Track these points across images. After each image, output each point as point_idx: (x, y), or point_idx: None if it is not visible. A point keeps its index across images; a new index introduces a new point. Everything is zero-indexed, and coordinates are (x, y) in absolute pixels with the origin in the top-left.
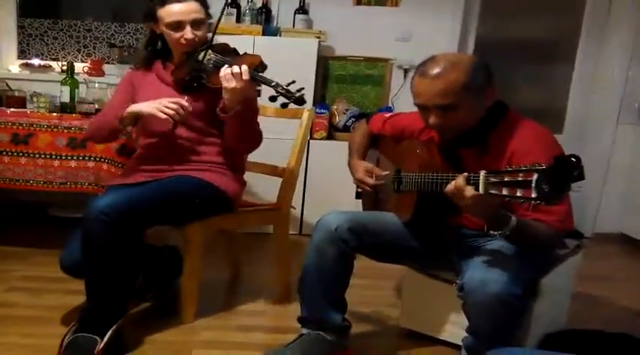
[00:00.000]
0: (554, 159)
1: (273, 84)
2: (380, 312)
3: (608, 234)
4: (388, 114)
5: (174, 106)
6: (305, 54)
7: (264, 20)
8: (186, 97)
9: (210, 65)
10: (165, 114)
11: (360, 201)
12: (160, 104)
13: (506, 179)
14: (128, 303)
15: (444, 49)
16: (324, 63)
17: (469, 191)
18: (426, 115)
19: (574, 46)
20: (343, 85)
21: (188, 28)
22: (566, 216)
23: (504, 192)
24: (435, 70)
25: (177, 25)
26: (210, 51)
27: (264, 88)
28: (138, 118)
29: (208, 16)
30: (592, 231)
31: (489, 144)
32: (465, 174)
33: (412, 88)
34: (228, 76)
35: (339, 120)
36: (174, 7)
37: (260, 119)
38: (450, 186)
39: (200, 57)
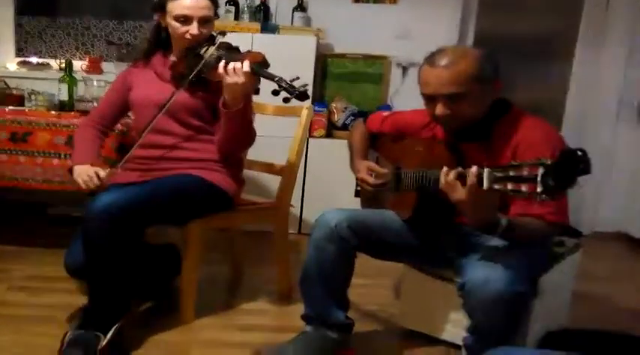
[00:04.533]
0: (559, 153)
1: (277, 79)
2: (379, 311)
3: (609, 233)
4: (386, 113)
5: (91, 174)
6: (303, 51)
7: (263, 18)
8: (118, 168)
9: (213, 60)
10: (82, 180)
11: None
12: (85, 171)
13: (511, 174)
14: (129, 302)
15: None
16: (323, 60)
17: (452, 175)
18: (432, 106)
19: (572, 44)
20: (342, 82)
21: (195, 24)
22: (561, 208)
23: (509, 187)
24: (445, 60)
25: (185, 19)
26: (212, 47)
27: (264, 85)
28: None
29: (216, 15)
30: (592, 230)
31: (493, 138)
32: (459, 168)
33: (420, 78)
34: (230, 70)
35: (338, 118)
36: (186, 1)
37: (259, 117)
38: (442, 180)
39: (202, 51)
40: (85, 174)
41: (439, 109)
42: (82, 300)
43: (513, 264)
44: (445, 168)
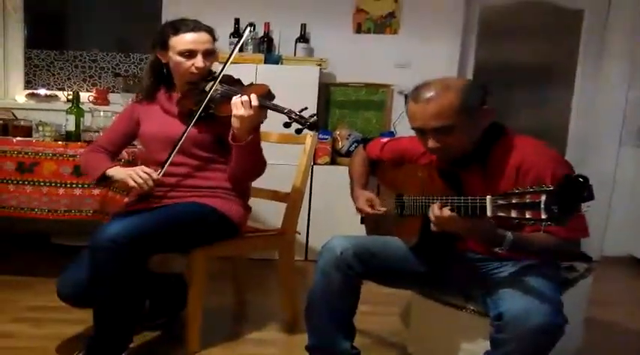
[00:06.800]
0: (562, 179)
1: (286, 111)
2: (387, 339)
3: (617, 257)
4: (385, 139)
5: (145, 176)
6: (307, 81)
7: (266, 49)
8: (160, 170)
9: (218, 95)
10: (135, 182)
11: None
12: (134, 171)
13: (514, 201)
14: (135, 331)
15: (443, 74)
16: (326, 89)
17: (445, 213)
18: (425, 139)
19: (572, 70)
20: (345, 110)
21: (199, 57)
22: (575, 225)
23: (513, 214)
24: (428, 94)
25: (190, 53)
26: (216, 81)
27: (272, 116)
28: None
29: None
30: (600, 255)
31: (490, 163)
32: (438, 202)
33: (407, 113)
34: (238, 104)
35: (342, 145)
36: (188, 36)
37: (263, 145)
38: (431, 216)
39: (207, 88)
40: (135, 174)
41: (431, 143)
42: (86, 330)
43: (550, 295)
44: (434, 205)
